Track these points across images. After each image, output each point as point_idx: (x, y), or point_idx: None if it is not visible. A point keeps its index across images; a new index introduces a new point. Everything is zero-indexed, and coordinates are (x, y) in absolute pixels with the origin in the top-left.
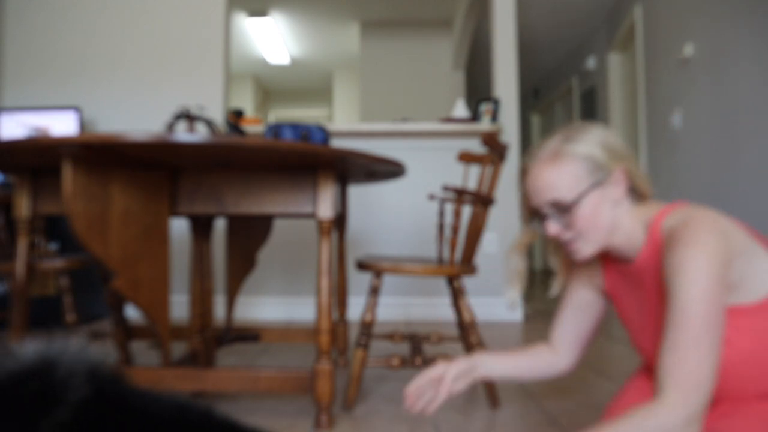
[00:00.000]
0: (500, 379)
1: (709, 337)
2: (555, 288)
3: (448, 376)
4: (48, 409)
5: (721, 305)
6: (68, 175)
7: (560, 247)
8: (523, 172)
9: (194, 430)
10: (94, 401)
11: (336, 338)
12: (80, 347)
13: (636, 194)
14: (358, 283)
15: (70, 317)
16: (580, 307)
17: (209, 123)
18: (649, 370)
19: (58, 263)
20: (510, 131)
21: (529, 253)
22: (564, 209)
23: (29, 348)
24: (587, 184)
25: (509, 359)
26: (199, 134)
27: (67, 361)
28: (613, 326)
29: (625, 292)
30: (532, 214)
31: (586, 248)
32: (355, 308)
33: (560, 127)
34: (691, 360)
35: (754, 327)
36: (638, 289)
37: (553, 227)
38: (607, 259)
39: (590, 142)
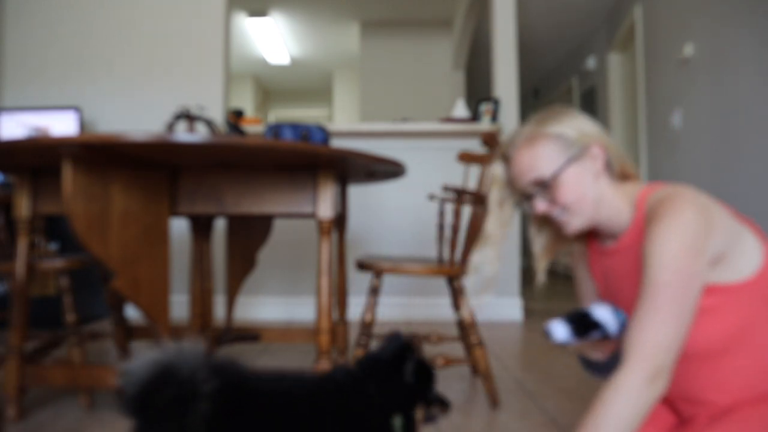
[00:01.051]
0: None
1: (676, 304)
2: (540, 275)
3: None
4: (190, 404)
5: (696, 275)
6: (68, 175)
7: (544, 226)
8: (504, 159)
9: (306, 401)
10: (224, 389)
11: (336, 338)
12: (190, 347)
13: (617, 173)
14: (358, 283)
15: (70, 317)
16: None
17: (209, 123)
18: None
19: (58, 263)
20: (510, 131)
21: (529, 252)
22: (546, 186)
23: (146, 357)
24: (564, 158)
25: None
26: (199, 134)
27: (185, 360)
28: None
29: (610, 280)
30: (521, 197)
31: (575, 221)
32: (355, 308)
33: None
34: (652, 325)
35: (740, 305)
36: (622, 274)
37: (540, 205)
38: (592, 242)
39: (562, 122)
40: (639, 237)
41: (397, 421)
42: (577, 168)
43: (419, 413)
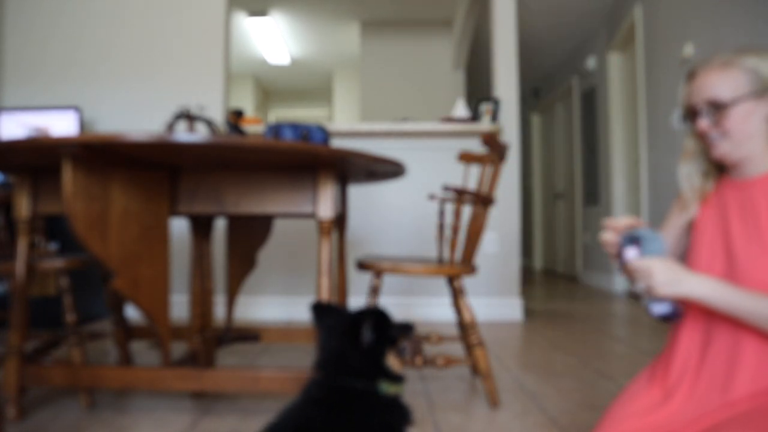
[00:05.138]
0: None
1: None
2: (693, 208)
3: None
4: None
5: None
6: (68, 175)
7: (690, 157)
8: (690, 75)
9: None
10: None
11: None
12: None
13: None
14: (358, 283)
15: (70, 317)
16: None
17: (209, 123)
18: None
19: (58, 263)
20: (510, 131)
21: (529, 252)
22: (718, 107)
23: None
24: (746, 91)
25: None
26: (199, 134)
27: None
28: (613, 326)
29: (737, 216)
30: (688, 112)
31: (726, 146)
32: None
33: (561, 126)
34: None
35: None
36: (748, 211)
37: (703, 123)
38: (725, 178)
39: (762, 58)
40: None
41: (384, 385)
42: (753, 104)
43: (394, 359)
